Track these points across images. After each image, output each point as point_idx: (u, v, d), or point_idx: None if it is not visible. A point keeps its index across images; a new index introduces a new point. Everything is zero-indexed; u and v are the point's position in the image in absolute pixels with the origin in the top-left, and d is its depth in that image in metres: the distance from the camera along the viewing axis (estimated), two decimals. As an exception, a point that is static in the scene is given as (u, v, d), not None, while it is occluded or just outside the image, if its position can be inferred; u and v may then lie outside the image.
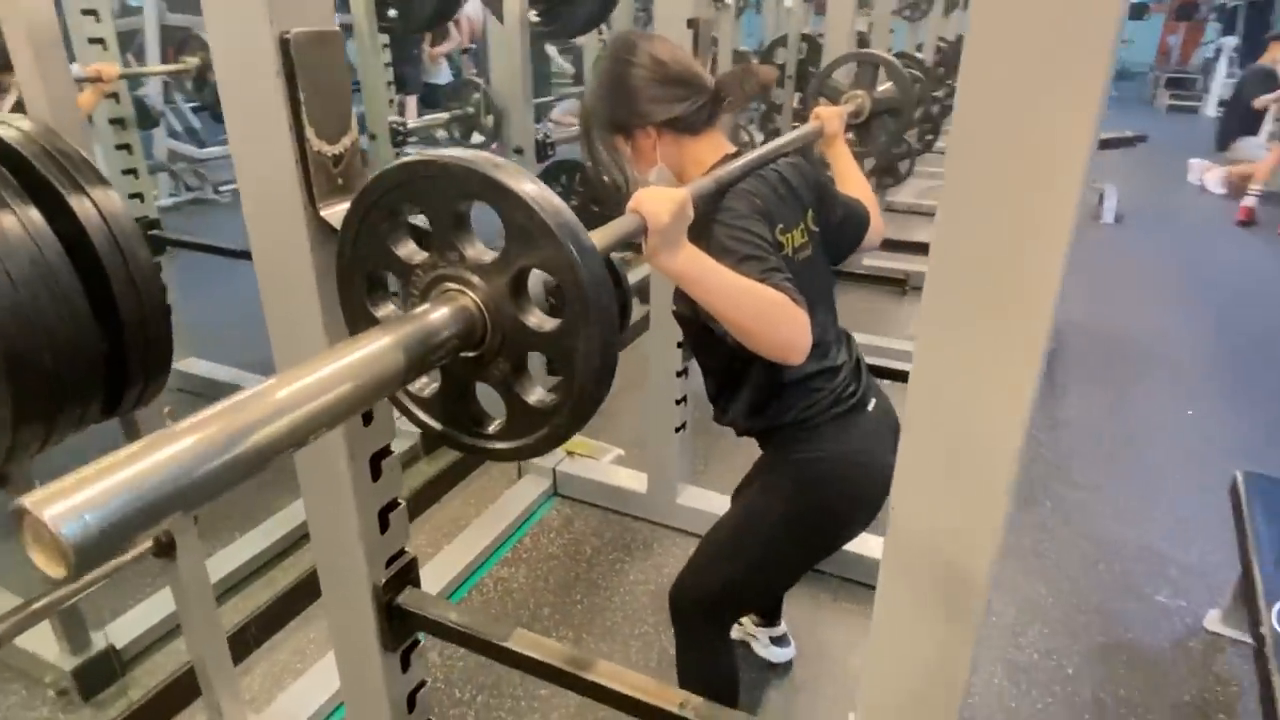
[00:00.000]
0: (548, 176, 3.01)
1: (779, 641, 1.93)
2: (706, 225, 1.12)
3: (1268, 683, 1.39)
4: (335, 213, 0.91)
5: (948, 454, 0.67)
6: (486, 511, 2.44)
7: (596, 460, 2.68)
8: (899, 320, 4.22)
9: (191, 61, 3.04)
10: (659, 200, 0.95)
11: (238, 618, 1.95)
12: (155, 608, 1.95)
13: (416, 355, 0.59)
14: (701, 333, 1.28)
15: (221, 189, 6.14)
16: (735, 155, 1.30)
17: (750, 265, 1.09)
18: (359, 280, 0.73)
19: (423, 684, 1.28)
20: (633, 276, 4.38)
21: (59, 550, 0.38)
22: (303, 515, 2.31)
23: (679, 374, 2.21)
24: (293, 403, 0.51)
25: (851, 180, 1.58)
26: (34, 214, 0.94)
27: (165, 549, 1.38)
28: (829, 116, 1.61)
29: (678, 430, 2.27)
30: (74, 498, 0.39)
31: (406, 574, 1.17)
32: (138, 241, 1.04)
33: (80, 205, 0.99)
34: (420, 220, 0.67)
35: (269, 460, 0.48)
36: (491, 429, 0.73)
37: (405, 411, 0.77)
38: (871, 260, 4.58)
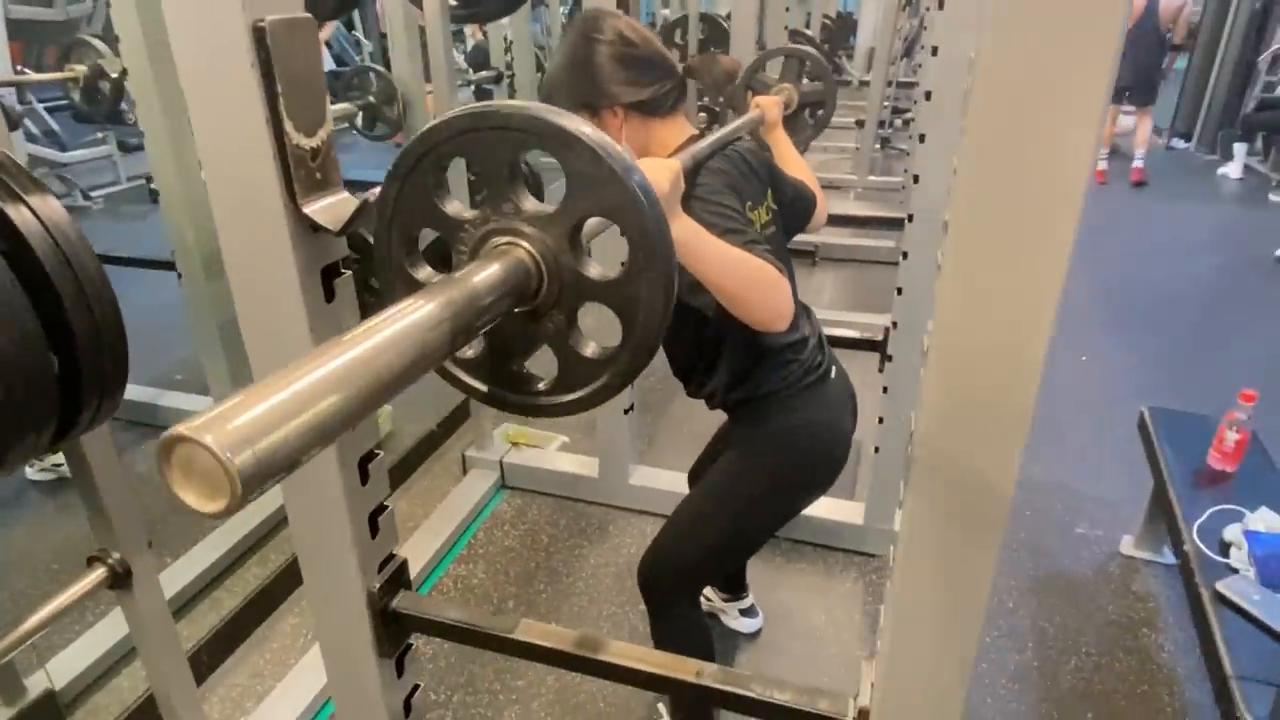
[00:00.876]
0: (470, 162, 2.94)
1: (747, 613, 1.99)
2: (685, 201, 1.13)
3: (1196, 595, 1.54)
4: (318, 208, 0.87)
5: (970, 390, 0.71)
6: (436, 510, 2.39)
7: (542, 449, 2.66)
8: (810, 290, 4.37)
9: (79, 69, 2.80)
10: (657, 170, 0.95)
11: (187, 645, 1.84)
12: (93, 643, 1.82)
13: (468, 316, 0.55)
14: (676, 313, 1.29)
15: (93, 194, 5.69)
16: (698, 138, 1.31)
17: (732, 238, 1.11)
18: (399, 241, 0.69)
19: (416, 688, 1.26)
20: None
21: (225, 478, 0.36)
22: (241, 531, 2.23)
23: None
24: (354, 373, 0.46)
25: (793, 163, 1.64)
26: (-29, 228, 0.86)
27: (120, 579, 1.30)
28: (769, 105, 1.67)
29: (626, 412, 2.28)
30: (235, 424, 0.38)
31: (399, 577, 1.14)
32: (85, 251, 0.97)
33: (19, 215, 0.91)
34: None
35: (347, 426, 0.45)
36: (542, 385, 0.70)
37: (446, 376, 0.73)
38: (781, 233, 4.72)
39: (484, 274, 0.58)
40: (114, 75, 2.75)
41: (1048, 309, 0.66)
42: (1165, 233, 5.40)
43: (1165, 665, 1.93)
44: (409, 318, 0.50)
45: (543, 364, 0.72)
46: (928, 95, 1.76)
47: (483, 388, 0.73)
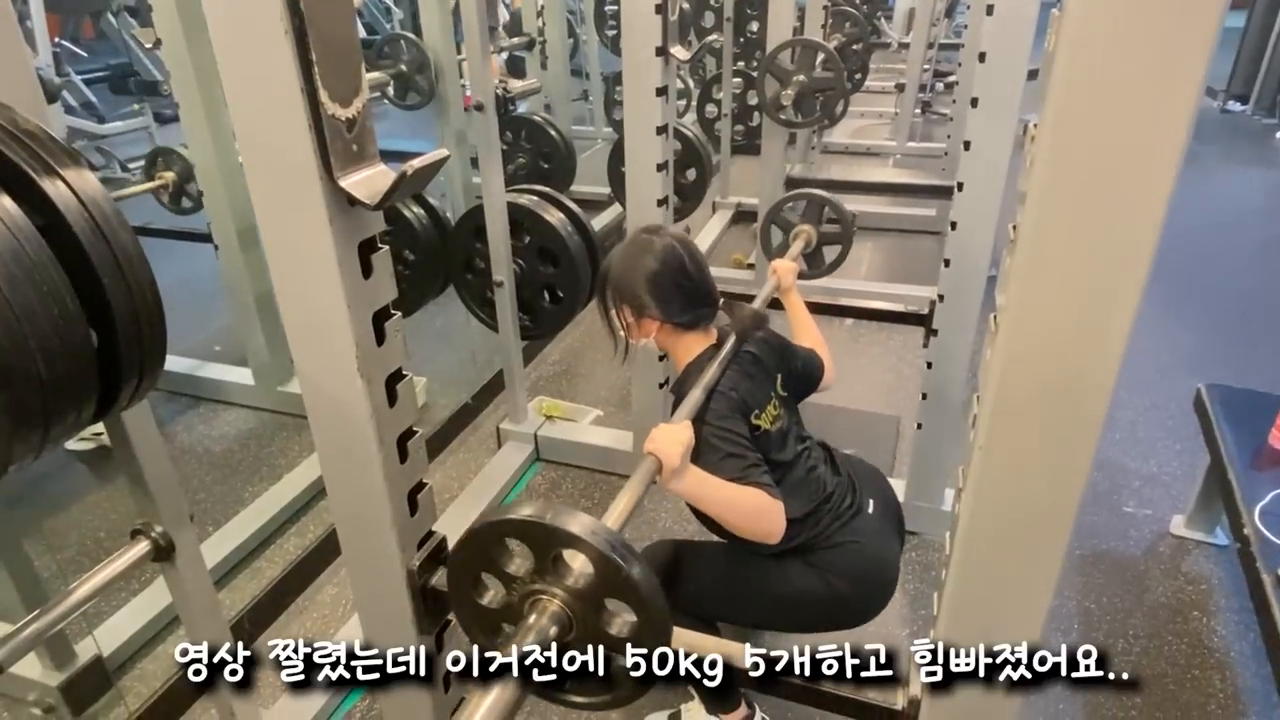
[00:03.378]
0: (502, 131, 2.91)
1: None
2: (696, 427, 1.30)
3: (1257, 579, 1.48)
4: (354, 181, 0.84)
5: (1044, 373, 0.67)
6: (471, 483, 2.40)
7: (576, 422, 2.65)
8: (849, 263, 4.25)
9: (168, 176, 3.03)
10: (670, 444, 1.19)
11: (229, 613, 1.88)
12: (139, 611, 1.86)
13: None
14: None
15: (131, 167, 5.74)
16: (718, 346, 1.48)
17: (731, 462, 1.30)
18: (468, 583, 0.92)
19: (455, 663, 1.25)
20: (601, 220, 4.31)
21: None
22: (281, 501, 2.26)
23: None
24: None
25: (806, 332, 1.77)
26: (7, 203, 0.85)
27: (164, 552, 1.31)
28: (784, 271, 1.83)
29: (661, 386, 2.25)
30: None
31: (438, 555, 1.14)
32: (121, 225, 0.95)
33: (56, 190, 0.89)
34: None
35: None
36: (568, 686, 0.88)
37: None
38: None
39: (540, 624, 0.82)
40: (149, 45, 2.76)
41: (1135, 284, 0.62)
42: (1220, 200, 5.19)
43: (1217, 649, 1.87)
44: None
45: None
46: (981, 56, 1.68)
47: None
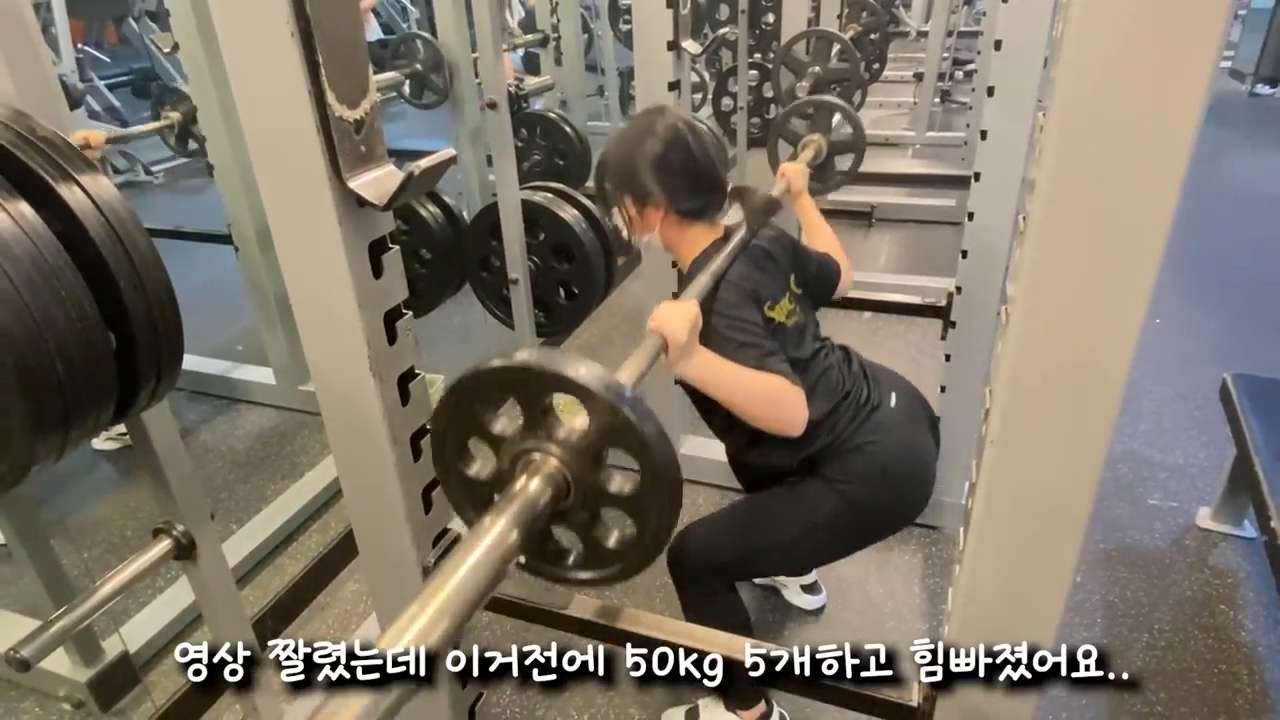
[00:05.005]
0: (517, 128, 2.92)
1: (810, 589, 1.96)
2: (705, 318, 1.20)
3: (1284, 573, 1.45)
4: (363, 183, 0.85)
5: (1054, 375, 0.66)
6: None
7: (593, 418, 2.65)
8: (867, 252, 4.25)
9: (174, 116, 2.97)
10: (676, 320, 1.07)
11: (251, 610, 1.90)
12: (164, 608, 1.90)
13: (527, 525, 0.69)
14: (706, 400, 1.34)
15: (154, 169, 5.83)
16: (724, 239, 1.38)
17: (746, 351, 1.20)
18: (453, 449, 0.81)
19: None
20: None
21: None
22: (302, 499, 2.28)
23: (675, 324, 2.19)
24: (458, 595, 0.61)
25: (819, 234, 1.68)
26: (26, 209, 0.86)
27: (185, 550, 1.33)
28: (794, 175, 1.71)
29: (677, 382, 2.25)
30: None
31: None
32: (137, 229, 0.96)
33: (72, 195, 0.90)
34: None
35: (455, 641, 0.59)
36: (570, 561, 0.81)
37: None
38: (836, 194, 4.58)
39: (532, 488, 0.72)
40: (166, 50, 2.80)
41: (1147, 273, 0.60)
42: (1248, 186, 5.09)
43: (1245, 644, 1.84)
44: (491, 535, 0.66)
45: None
46: (997, 45, 1.65)
47: (521, 559, 0.82)
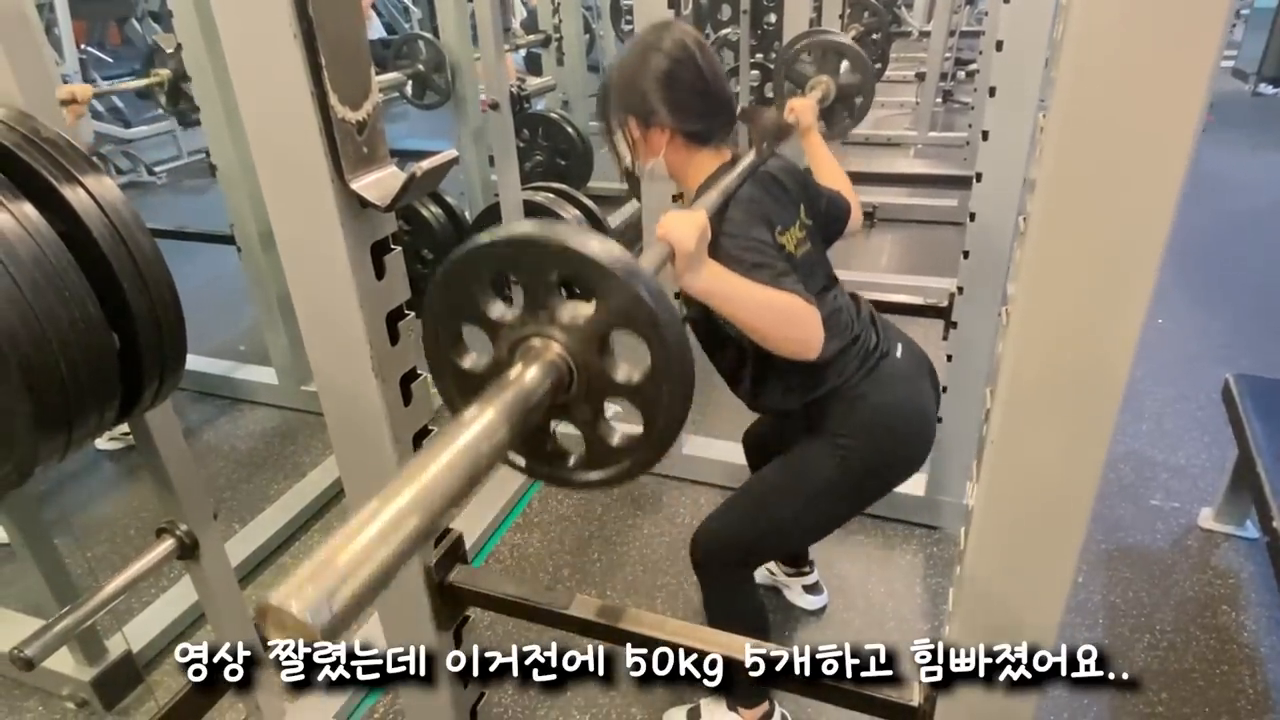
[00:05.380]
0: (519, 129, 2.93)
1: (811, 589, 1.96)
2: (714, 238, 1.14)
3: (1286, 574, 1.45)
4: (365, 184, 0.85)
5: (1054, 376, 0.66)
6: (490, 480, 2.41)
7: (595, 418, 2.65)
8: (868, 252, 4.25)
9: (163, 73, 2.90)
10: (683, 227, 0.99)
11: (254, 609, 1.90)
12: (167, 607, 1.90)
13: (521, 417, 0.63)
14: (715, 334, 1.33)
15: (157, 170, 5.84)
16: (732, 163, 1.31)
17: (760, 273, 1.13)
18: (446, 336, 0.75)
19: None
20: (620, 216, 4.31)
21: (310, 632, 0.42)
22: (306, 498, 2.28)
23: (677, 324, 2.19)
24: (431, 491, 0.53)
25: (827, 170, 1.61)
26: (30, 210, 0.87)
27: (188, 550, 1.33)
28: (802, 109, 1.65)
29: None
30: (309, 591, 0.43)
31: (455, 552, 1.15)
32: (139, 229, 0.97)
33: (75, 196, 0.91)
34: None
35: (429, 537, 0.54)
36: (571, 462, 0.76)
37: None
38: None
39: (529, 377, 0.65)
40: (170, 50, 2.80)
41: (1147, 274, 0.60)
42: (1251, 187, 5.08)
43: (1247, 645, 1.84)
44: (477, 426, 0.58)
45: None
46: (999, 45, 1.65)
47: (521, 461, 0.78)
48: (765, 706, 1.62)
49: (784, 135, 1.41)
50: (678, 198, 1.95)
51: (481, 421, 0.59)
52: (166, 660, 1.84)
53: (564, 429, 0.76)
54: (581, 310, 0.65)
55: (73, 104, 2.25)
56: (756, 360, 1.35)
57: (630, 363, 0.68)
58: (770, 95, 4.39)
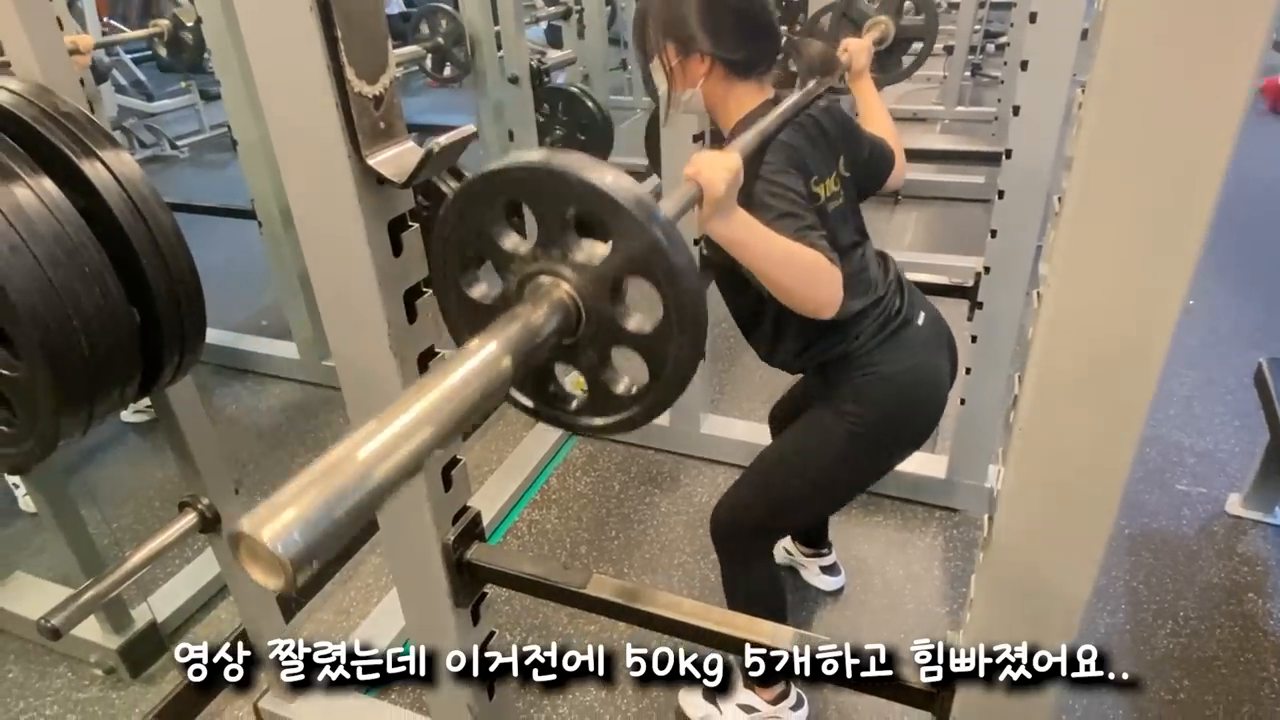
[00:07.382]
0: (539, 103, 2.90)
1: (829, 570, 1.95)
2: (747, 181, 1.09)
3: (1317, 563, 1.42)
4: (382, 160, 0.84)
5: (1089, 362, 0.64)
6: (509, 457, 2.42)
7: (613, 395, 2.65)
8: (892, 230, 4.19)
9: (163, 24, 2.88)
10: (715, 169, 0.93)
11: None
12: (192, 578, 1.93)
13: (525, 354, 0.60)
14: (735, 279, 1.28)
15: (180, 144, 5.87)
16: (774, 101, 1.25)
17: (786, 222, 1.10)
18: (455, 263, 0.72)
19: (492, 635, 1.28)
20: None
21: (278, 566, 0.39)
22: (325, 474, 2.30)
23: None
24: (429, 417, 0.51)
25: (876, 118, 1.55)
26: (49, 186, 0.87)
27: (210, 523, 1.35)
28: (857, 51, 1.57)
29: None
30: (282, 518, 0.40)
31: (473, 529, 1.15)
32: (158, 205, 0.97)
33: (95, 171, 0.91)
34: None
35: (418, 469, 0.49)
36: (574, 405, 0.74)
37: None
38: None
39: (536, 314, 0.63)
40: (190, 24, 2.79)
41: (1188, 255, 0.58)
42: (1287, 163, 4.93)
43: (1273, 633, 1.81)
44: (480, 356, 0.56)
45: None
46: (1032, 17, 1.60)
47: (528, 402, 0.76)
48: (781, 686, 1.62)
49: (831, 69, 1.33)
50: (699, 138, 1.89)
51: (484, 353, 0.57)
52: (191, 630, 1.87)
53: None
54: (596, 251, 0.63)
55: (75, 54, 2.24)
56: (774, 311, 1.33)
57: (641, 311, 0.65)
58: (794, 70, 4.32)
